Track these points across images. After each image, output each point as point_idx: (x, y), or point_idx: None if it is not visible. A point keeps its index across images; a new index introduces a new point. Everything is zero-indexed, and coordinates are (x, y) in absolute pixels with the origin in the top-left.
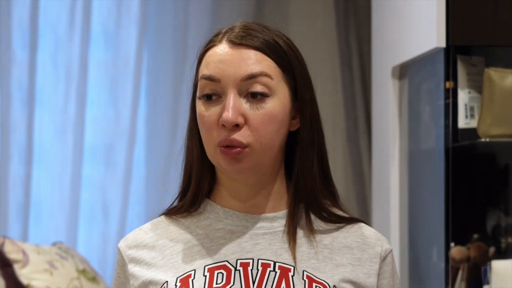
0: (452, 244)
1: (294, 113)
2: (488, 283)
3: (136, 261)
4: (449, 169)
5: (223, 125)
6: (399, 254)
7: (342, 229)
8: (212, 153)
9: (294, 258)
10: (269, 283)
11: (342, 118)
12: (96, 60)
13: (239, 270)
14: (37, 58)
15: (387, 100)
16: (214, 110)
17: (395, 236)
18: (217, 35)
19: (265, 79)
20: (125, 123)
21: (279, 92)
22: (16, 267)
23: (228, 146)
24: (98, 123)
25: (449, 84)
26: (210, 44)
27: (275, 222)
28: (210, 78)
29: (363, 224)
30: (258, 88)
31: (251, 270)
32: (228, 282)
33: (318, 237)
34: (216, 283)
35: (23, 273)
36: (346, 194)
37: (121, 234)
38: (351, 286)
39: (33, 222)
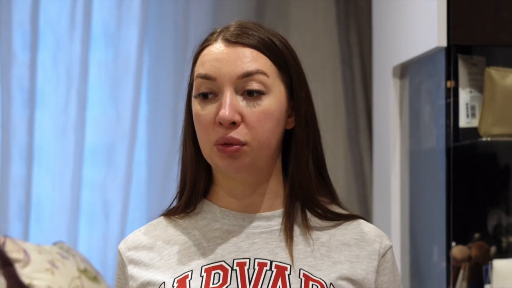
0: (453, 244)
1: (290, 111)
2: (489, 282)
3: (135, 263)
4: (450, 168)
5: (220, 123)
6: (400, 253)
7: (340, 226)
8: (209, 152)
9: (291, 256)
10: (265, 282)
11: (343, 118)
12: (96, 60)
13: (235, 270)
14: (37, 58)
15: (388, 99)
16: (210, 108)
17: (396, 235)
18: (212, 34)
19: (261, 77)
20: (125, 123)
21: (275, 90)
22: (17, 266)
23: (225, 144)
24: (98, 123)
25: (450, 84)
26: (205, 44)
27: (271, 221)
28: (206, 77)
29: (362, 221)
30: (254, 85)
31: (248, 269)
32: (224, 282)
33: (315, 235)
34: (213, 283)
35: (24, 273)
36: (347, 194)
37: (122, 234)
38: (349, 284)
39: (33, 222)
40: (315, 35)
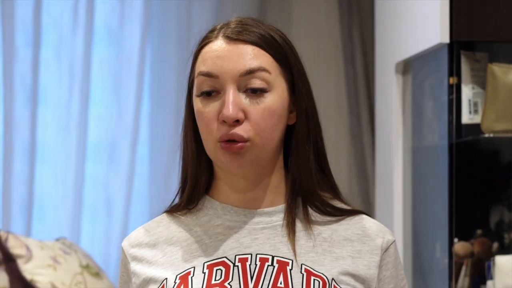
0: (455, 240)
1: (292, 107)
2: (491, 278)
3: (138, 260)
4: (452, 164)
5: (224, 121)
6: (402, 249)
7: (342, 222)
8: (212, 149)
9: (294, 250)
10: (267, 277)
11: (346, 114)
12: (99, 57)
13: (237, 266)
14: (40, 55)
15: (390, 96)
16: (213, 106)
17: (399, 231)
18: (212, 31)
19: (263, 74)
20: (128, 120)
21: (277, 87)
22: (20, 262)
23: (229, 141)
24: (101, 120)
25: (452, 80)
26: (205, 41)
27: (273, 216)
28: (208, 75)
29: (364, 216)
30: (257, 83)
31: (249, 265)
32: (226, 278)
33: (317, 230)
34: (215, 280)
35: (26, 268)
36: (349, 190)
37: (124, 231)
38: (351, 279)
39: (36, 219)
40: (317, 32)
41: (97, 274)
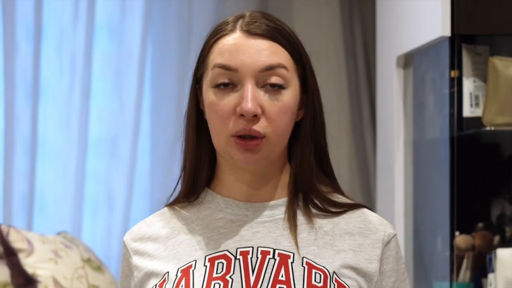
0: (457, 233)
1: (300, 104)
2: (493, 271)
3: (140, 253)
4: (454, 158)
5: (241, 115)
6: (404, 243)
7: (344, 215)
8: (224, 143)
9: (296, 243)
10: (268, 270)
11: (347, 108)
12: (100, 52)
13: (239, 259)
14: (41, 50)
15: (391, 89)
16: (229, 99)
17: (400, 225)
18: (226, 23)
19: (282, 71)
20: (129, 115)
21: (292, 84)
22: (21, 256)
23: (245, 138)
24: (102, 115)
25: (454, 73)
26: (221, 33)
27: (275, 209)
28: (226, 68)
29: (366, 210)
30: (277, 79)
31: (251, 258)
32: (228, 271)
33: (319, 223)
34: (216, 273)
35: (28, 262)
36: (350, 184)
37: (126, 225)
38: (352, 272)
39: (37, 214)
40: (318, 25)
41: (99, 268)
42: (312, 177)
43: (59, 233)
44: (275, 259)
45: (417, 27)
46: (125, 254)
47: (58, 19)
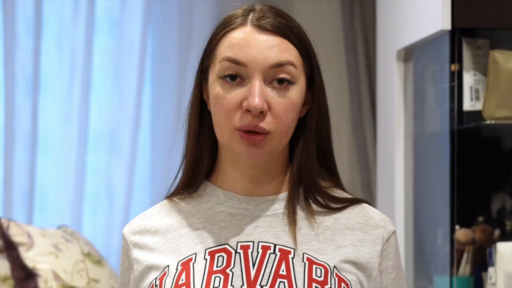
0: (457, 227)
1: (305, 100)
2: (493, 265)
3: (140, 246)
4: (454, 151)
5: (248, 110)
6: (404, 237)
7: (345, 210)
8: (228, 137)
9: (295, 240)
10: (269, 265)
11: (347, 102)
12: (100, 46)
13: (239, 253)
14: (41, 44)
15: (392, 83)
16: (236, 93)
17: (400, 219)
18: (235, 17)
19: (291, 68)
20: (129, 109)
21: (299, 81)
22: (21, 250)
23: (250, 132)
24: (102, 109)
25: (454, 67)
26: (230, 26)
27: (276, 204)
28: (236, 62)
29: (366, 205)
30: (285, 76)
31: (251, 252)
32: (228, 265)
33: (319, 218)
34: (217, 266)
35: (28, 256)
36: (351, 178)
37: (126, 219)
38: (352, 267)
39: (37, 208)
40: (319, 19)
41: (99, 261)
42: (313, 173)
43: (59, 227)
44: (276, 254)
45: (417, 20)
46: (125, 247)
47: (58, 13)
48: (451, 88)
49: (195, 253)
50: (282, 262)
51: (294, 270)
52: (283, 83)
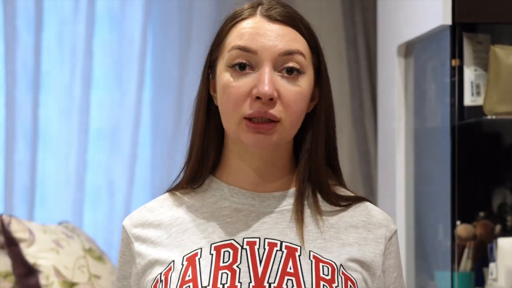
0: (458, 222)
1: (312, 95)
2: (494, 260)
3: (142, 240)
4: (455, 147)
5: (257, 98)
6: (405, 232)
7: (349, 209)
8: (235, 125)
9: (302, 238)
10: (276, 262)
11: (348, 97)
12: (101, 42)
13: (245, 249)
14: (42, 40)
15: (392, 78)
16: (245, 80)
17: (401, 214)
18: (244, 9)
19: (300, 58)
20: (130, 105)
21: (308, 72)
22: (22, 246)
23: (258, 122)
24: (103, 105)
25: (455, 62)
26: (239, 17)
27: (282, 201)
28: (246, 49)
29: (368, 203)
30: (294, 64)
31: (258, 249)
32: (235, 260)
33: (325, 216)
34: (223, 262)
35: (29, 252)
36: (351, 173)
37: (127, 215)
38: (358, 265)
39: (38, 205)
40: (319, 14)
41: (100, 257)
42: (322, 170)
43: (60, 223)
44: (283, 252)
45: (418, 16)
46: (126, 240)
47: (59, 9)
48: (452, 83)
49: (200, 248)
50: (289, 260)
51: (302, 268)
52: (292, 73)
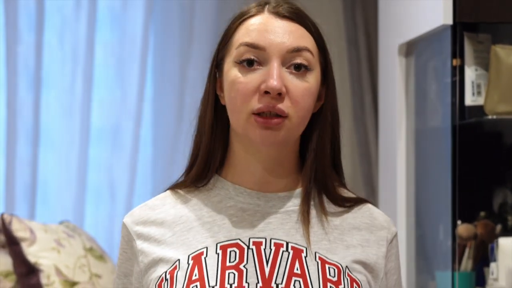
0: (459, 222)
1: (318, 95)
2: (495, 260)
3: (145, 238)
4: (456, 146)
5: (265, 93)
6: (406, 232)
7: (351, 210)
8: (244, 121)
9: (308, 239)
10: (283, 263)
11: (349, 97)
12: (102, 41)
13: (252, 249)
14: (43, 39)
15: (393, 78)
16: (254, 76)
17: (402, 214)
18: (251, 8)
19: (308, 55)
20: (131, 104)
21: (315, 71)
22: (24, 245)
23: (266, 117)
24: (104, 104)
25: (456, 62)
26: (247, 15)
27: (288, 201)
28: (254, 46)
29: (370, 205)
30: (302, 60)
31: (264, 249)
32: (241, 260)
33: (329, 217)
34: (229, 262)
35: (30, 251)
36: (353, 173)
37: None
38: (362, 268)
39: (40, 203)
40: (320, 13)
41: (101, 257)
42: (328, 170)
43: (61, 222)
44: (289, 252)
45: (419, 15)
46: (127, 237)
47: (60, 8)
48: (453, 83)
49: (206, 247)
50: (295, 261)
51: (308, 269)
52: (300, 69)
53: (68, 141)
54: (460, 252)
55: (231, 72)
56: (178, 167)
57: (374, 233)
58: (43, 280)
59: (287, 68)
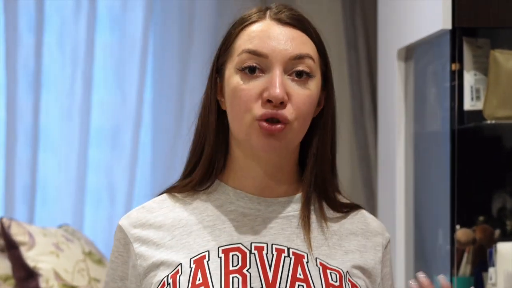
0: (457, 227)
1: (318, 100)
2: (493, 265)
3: (143, 241)
4: (454, 151)
5: (268, 101)
6: (404, 236)
7: (348, 216)
8: (246, 127)
9: (309, 245)
10: (285, 268)
11: (348, 101)
12: (102, 43)
13: (254, 254)
14: (43, 40)
15: (393, 82)
16: (256, 83)
17: (401, 218)
18: (252, 13)
19: (310, 62)
20: (131, 106)
21: (316, 77)
22: (22, 249)
23: (270, 122)
24: (104, 106)
25: (455, 66)
26: (248, 21)
27: (288, 206)
28: (256, 53)
29: (364, 211)
30: (304, 68)
31: (266, 254)
32: (244, 265)
33: (328, 222)
34: (232, 266)
35: (29, 256)
36: (352, 177)
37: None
38: (361, 273)
39: (39, 205)
40: (320, 17)
41: (100, 261)
42: (328, 176)
43: (60, 226)
44: (291, 258)
45: (418, 20)
46: (123, 240)
47: (60, 10)
48: (452, 88)
49: (208, 251)
50: (298, 266)
51: (311, 274)
52: (302, 76)
53: (68, 143)
54: (459, 257)
55: (233, 79)
56: (178, 170)
57: (370, 238)
58: (42, 284)
59: (289, 75)
